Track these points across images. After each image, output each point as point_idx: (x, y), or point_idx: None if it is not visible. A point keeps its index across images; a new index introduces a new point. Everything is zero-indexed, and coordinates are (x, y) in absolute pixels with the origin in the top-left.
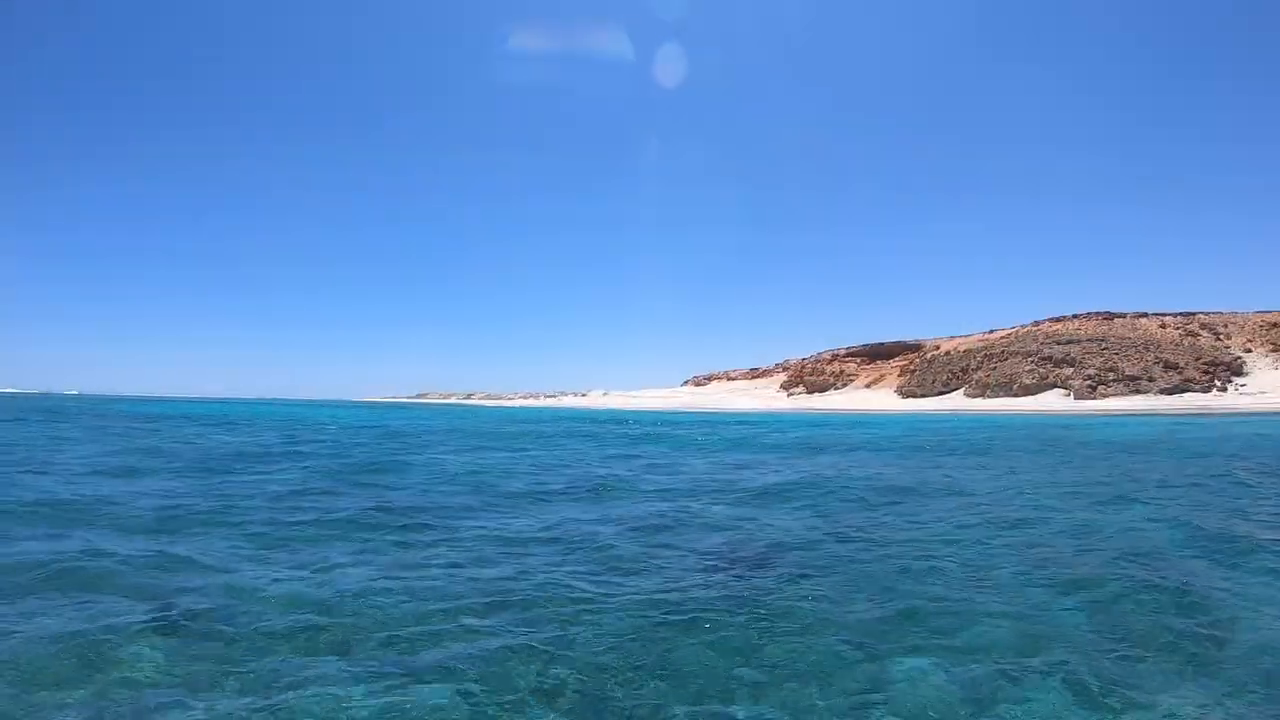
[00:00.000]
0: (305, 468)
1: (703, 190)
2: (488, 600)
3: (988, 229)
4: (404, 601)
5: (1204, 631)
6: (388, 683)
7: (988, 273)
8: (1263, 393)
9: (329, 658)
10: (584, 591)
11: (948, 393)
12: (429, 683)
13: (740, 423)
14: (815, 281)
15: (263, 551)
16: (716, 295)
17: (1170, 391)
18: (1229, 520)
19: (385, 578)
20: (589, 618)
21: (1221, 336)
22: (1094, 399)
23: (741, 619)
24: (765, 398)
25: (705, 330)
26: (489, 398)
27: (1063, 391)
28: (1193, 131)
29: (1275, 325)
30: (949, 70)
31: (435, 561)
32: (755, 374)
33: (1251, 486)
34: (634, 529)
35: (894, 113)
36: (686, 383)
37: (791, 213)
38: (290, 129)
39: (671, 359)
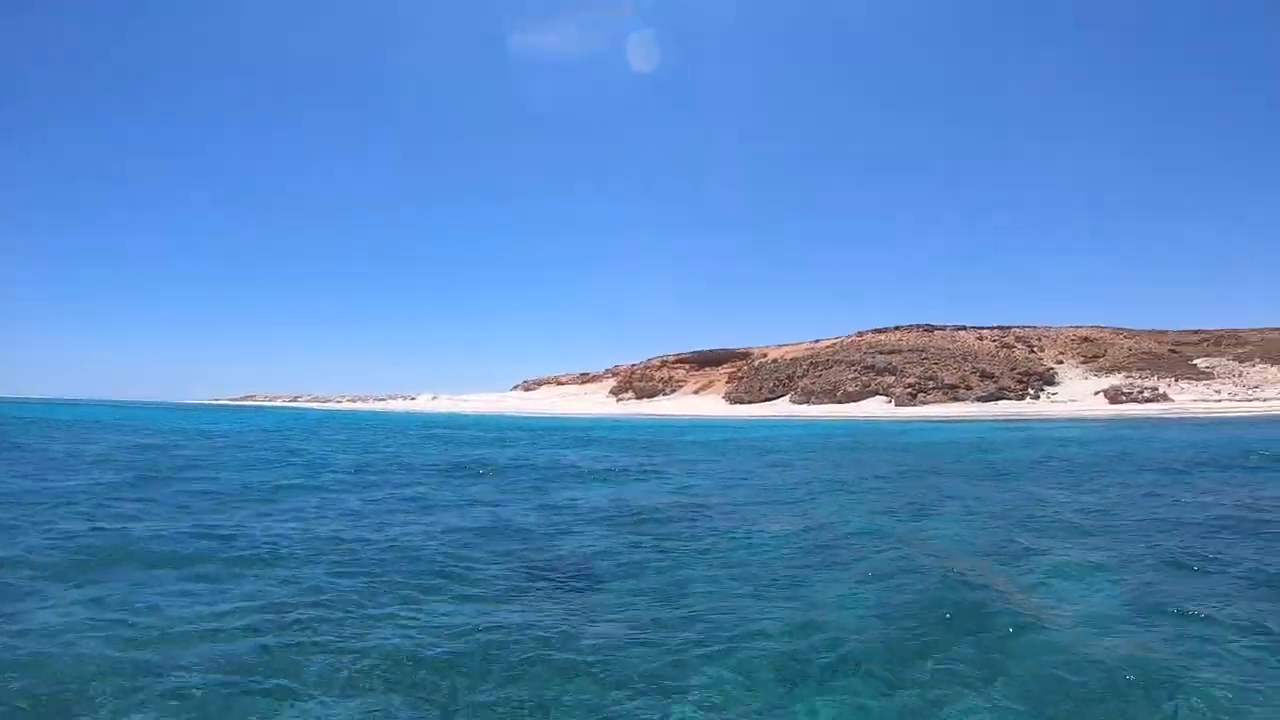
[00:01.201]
0: None
1: (535, 195)
2: None
3: (820, 242)
4: None
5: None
6: None
7: (815, 285)
8: (1072, 400)
9: None
10: None
11: (774, 399)
12: None
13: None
14: (646, 288)
15: None
16: (547, 301)
17: (986, 399)
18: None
19: None
20: None
21: (1035, 349)
22: (914, 405)
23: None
24: (595, 403)
25: (536, 335)
26: (317, 400)
27: (884, 399)
28: (1007, 153)
29: (1086, 339)
30: (793, 82)
31: None
32: (585, 379)
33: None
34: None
35: (733, 120)
36: (516, 387)
37: (626, 221)
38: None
39: (501, 364)
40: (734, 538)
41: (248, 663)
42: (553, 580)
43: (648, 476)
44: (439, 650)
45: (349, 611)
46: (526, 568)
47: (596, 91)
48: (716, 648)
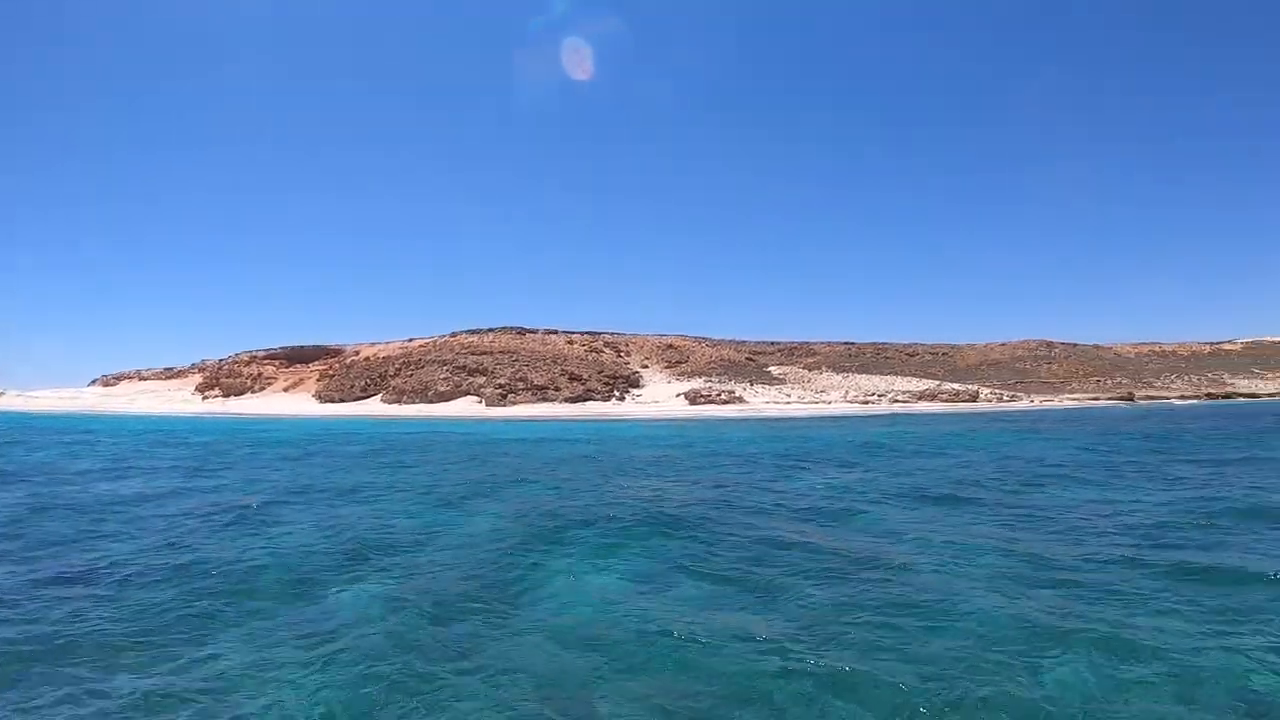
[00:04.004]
0: None
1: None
2: None
3: (417, 238)
4: None
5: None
6: None
7: (412, 283)
8: (655, 401)
9: None
10: None
11: (366, 398)
12: None
13: None
14: (232, 281)
15: None
16: (128, 289)
17: (574, 400)
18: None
19: None
20: None
21: (623, 354)
22: (504, 406)
23: None
24: (179, 400)
25: (116, 329)
26: None
27: (475, 399)
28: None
29: (671, 346)
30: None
31: None
32: (170, 375)
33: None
34: None
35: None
36: (94, 382)
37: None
38: None
39: (75, 358)
40: None
41: None
42: None
43: None
44: None
45: None
46: None
47: None
48: None
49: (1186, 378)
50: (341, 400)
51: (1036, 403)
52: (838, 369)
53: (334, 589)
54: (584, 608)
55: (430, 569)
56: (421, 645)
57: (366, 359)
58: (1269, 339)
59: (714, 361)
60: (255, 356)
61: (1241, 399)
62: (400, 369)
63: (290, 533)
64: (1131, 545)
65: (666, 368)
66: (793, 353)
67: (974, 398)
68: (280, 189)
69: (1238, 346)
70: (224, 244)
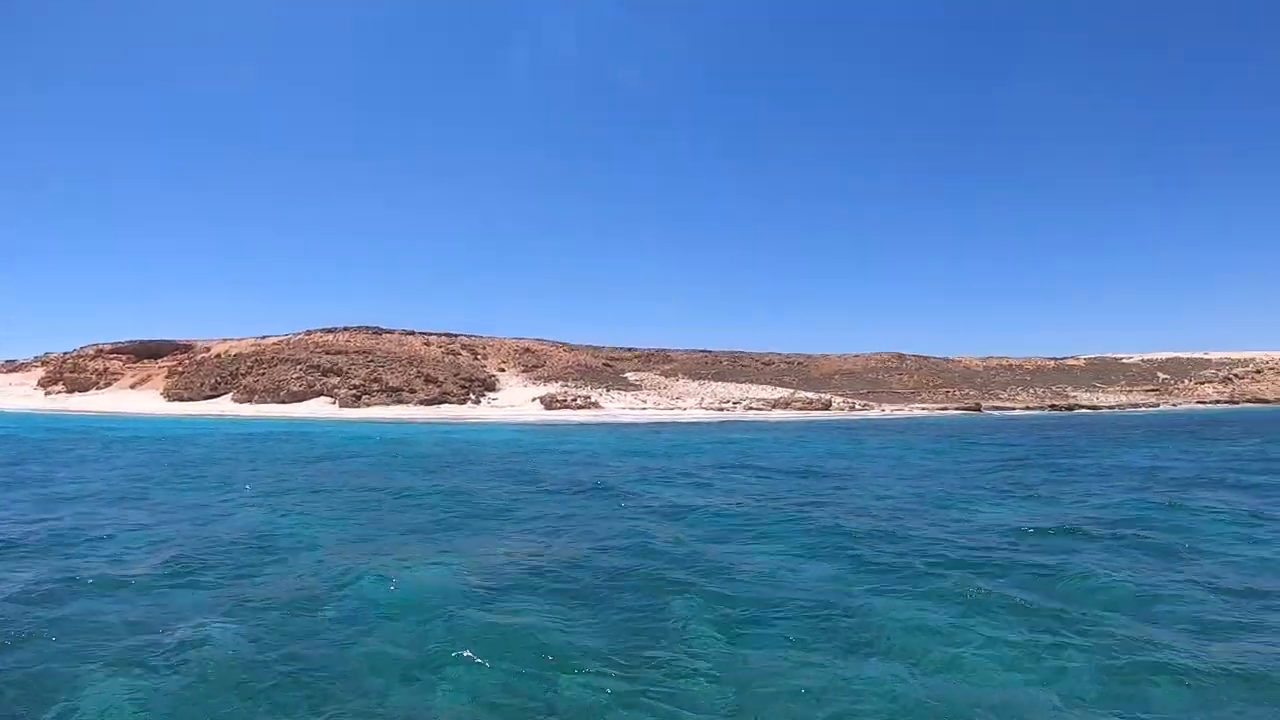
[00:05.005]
0: None
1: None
2: None
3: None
4: None
5: None
6: None
7: (269, 278)
8: (511, 405)
9: None
10: None
11: (216, 396)
12: None
13: None
14: (80, 271)
15: None
16: None
17: (429, 402)
18: None
19: None
20: None
21: (480, 356)
22: (358, 408)
23: None
24: (19, 395)
25: None
26: None
27: (329, 400)
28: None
29: (527, 350)
30: None
31: None
32: (11, 368)
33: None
34: None
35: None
36: None
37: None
38: None
39: None
40: None
41: None
42: None
43: None
44: None
45: None
46: None
47: None
48: None
49: (1032, 390)
50: (191, 399)
51: (887, 412)
52: (694, 376)
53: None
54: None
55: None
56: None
57: (218, 356)
58: (1110, 355)
59: (571, 366)
60: (102, 350)
61: (1083, 410)
62: (252, 367)
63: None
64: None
65: (523, 371)
66: (650, 359)
67: (826, 406)
68: (121, 179)
69: (1081, 362)
70: (74, 234)
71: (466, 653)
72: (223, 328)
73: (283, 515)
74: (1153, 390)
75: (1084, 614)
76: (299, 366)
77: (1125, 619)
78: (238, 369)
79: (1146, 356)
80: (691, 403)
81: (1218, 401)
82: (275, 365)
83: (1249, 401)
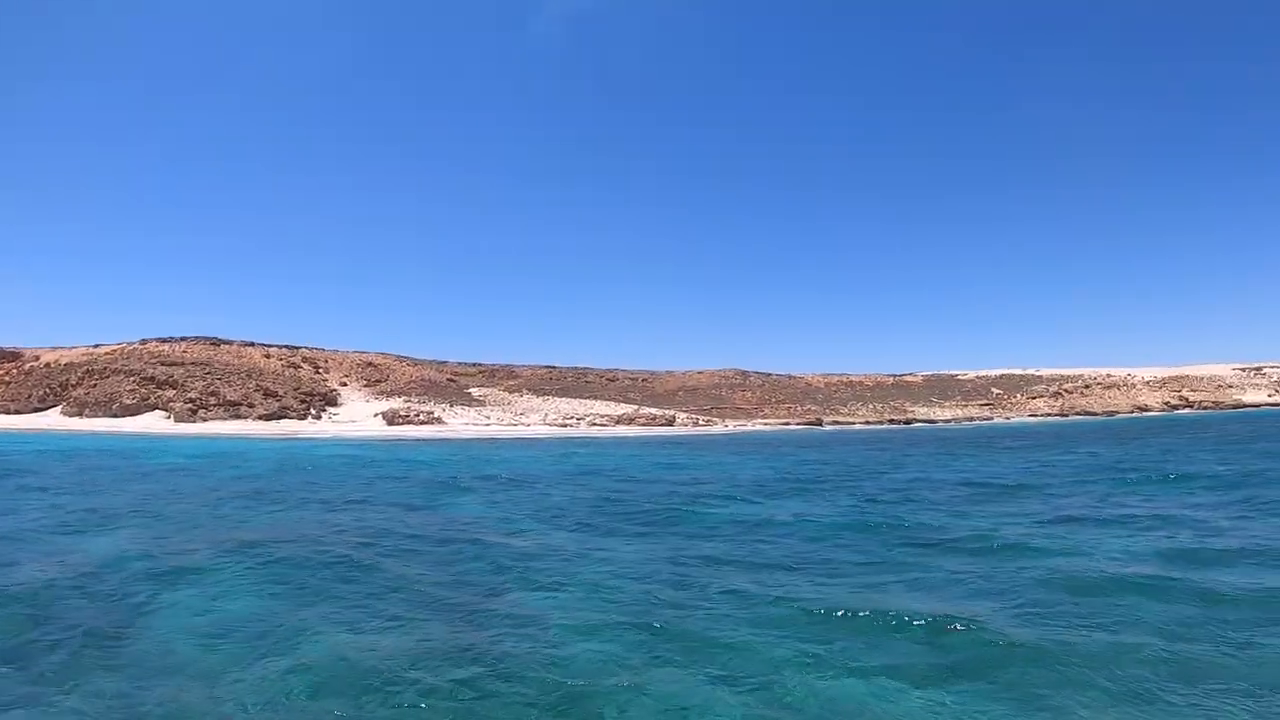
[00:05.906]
0: None
1: None
2: None
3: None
4: None
5: None
6: None
7: (94, 279)
8: (353, 420)
9: None
10: None
11: (45, 409)
12: None
13: None
14: None
15: None
16: None
17: (269, 417)
18: None
19: None
20: None
21: (321, 370)
22: (194, 422)
23: None
24: None
25: None
26: None
27: (164, 413)
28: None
29: (370, 364)
30: None
31: None
32: None
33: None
34: None
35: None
36: None
37: None
38: None
39: None
40: None
41: None
42: None
43: None
44: None
45: None
46: None
47: None
48: None
49: (872, 405)
50: (17, 411)
51: (730, 427)
52: (539, 392)
53: None
54: None
55: None
56: None
57: (48, 365)
58: (947, 373)
59: (415, 381)
60: None
61: (920, 424)
62: (83, 378)
63: None
64: None
65: (366, 386)
66: (494, 375)
67: (671, 422)
68: None
69: (919, 379)
70: None
71: None
72: (55, 335)
73: None
74: (987, 405)
75: None
76: (133, 378)
77: None
78: (68, 379)
79: (981, 373)
80: (535, 419)
81: (1049, 415)
82: (108, 376)
83: (1078, 414)
